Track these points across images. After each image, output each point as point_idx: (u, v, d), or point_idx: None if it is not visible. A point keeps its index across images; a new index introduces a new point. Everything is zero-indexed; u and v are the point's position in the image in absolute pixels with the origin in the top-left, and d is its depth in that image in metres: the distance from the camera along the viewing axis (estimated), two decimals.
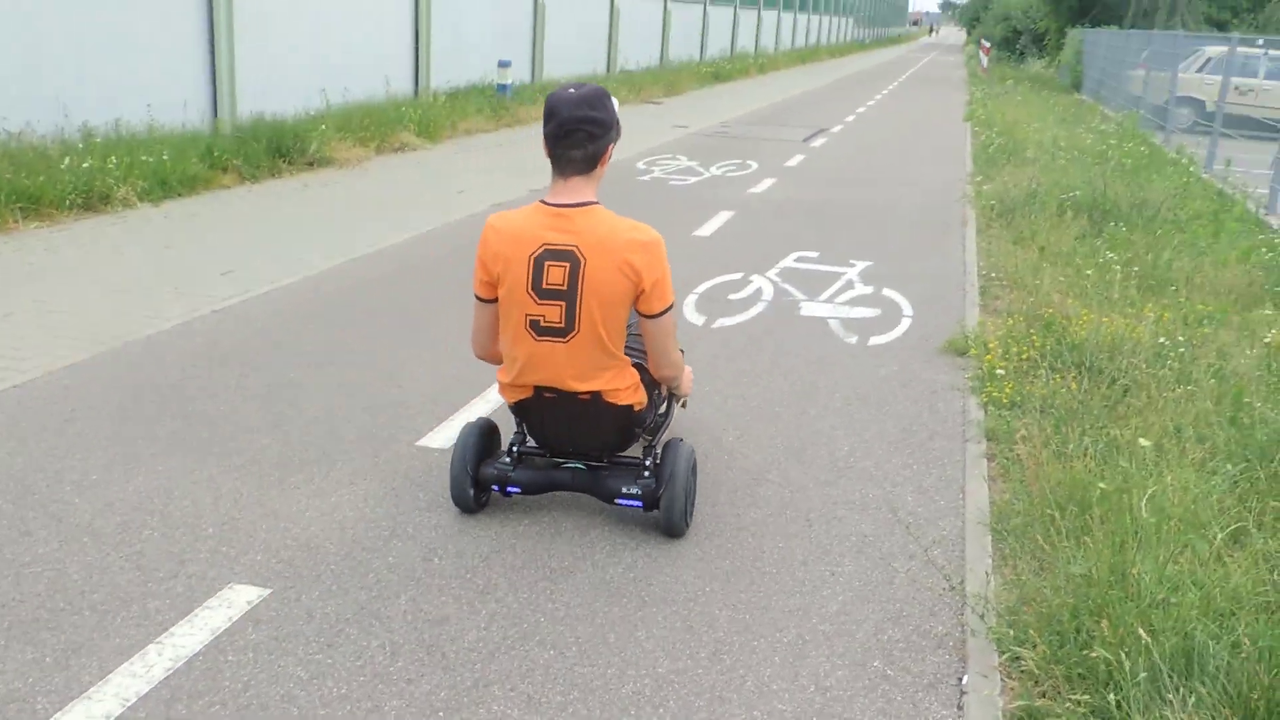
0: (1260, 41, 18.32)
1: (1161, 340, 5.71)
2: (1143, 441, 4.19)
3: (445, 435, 4.75)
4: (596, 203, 3.64)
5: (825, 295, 7.39)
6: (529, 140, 14.88)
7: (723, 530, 4.05)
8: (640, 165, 13.21)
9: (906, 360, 6.09)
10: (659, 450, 4.10)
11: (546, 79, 20.72)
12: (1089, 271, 7.34)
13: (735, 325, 6.63)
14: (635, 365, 3.89)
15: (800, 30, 50.58)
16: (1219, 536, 3.60)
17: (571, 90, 3.59)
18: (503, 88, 17.45)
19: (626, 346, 3.87)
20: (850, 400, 5.46)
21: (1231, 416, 4.65)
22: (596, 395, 3.79)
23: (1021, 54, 48.80)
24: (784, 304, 7.16)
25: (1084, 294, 6.88)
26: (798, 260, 8.40)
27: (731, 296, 7.27)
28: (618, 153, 12.79)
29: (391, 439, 4.71)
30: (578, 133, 3.57)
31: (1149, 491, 3.80)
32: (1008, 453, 4.68)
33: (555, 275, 3.61)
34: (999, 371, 5.47)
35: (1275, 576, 3.45)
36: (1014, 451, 4.65)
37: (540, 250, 3.61)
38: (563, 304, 3.63)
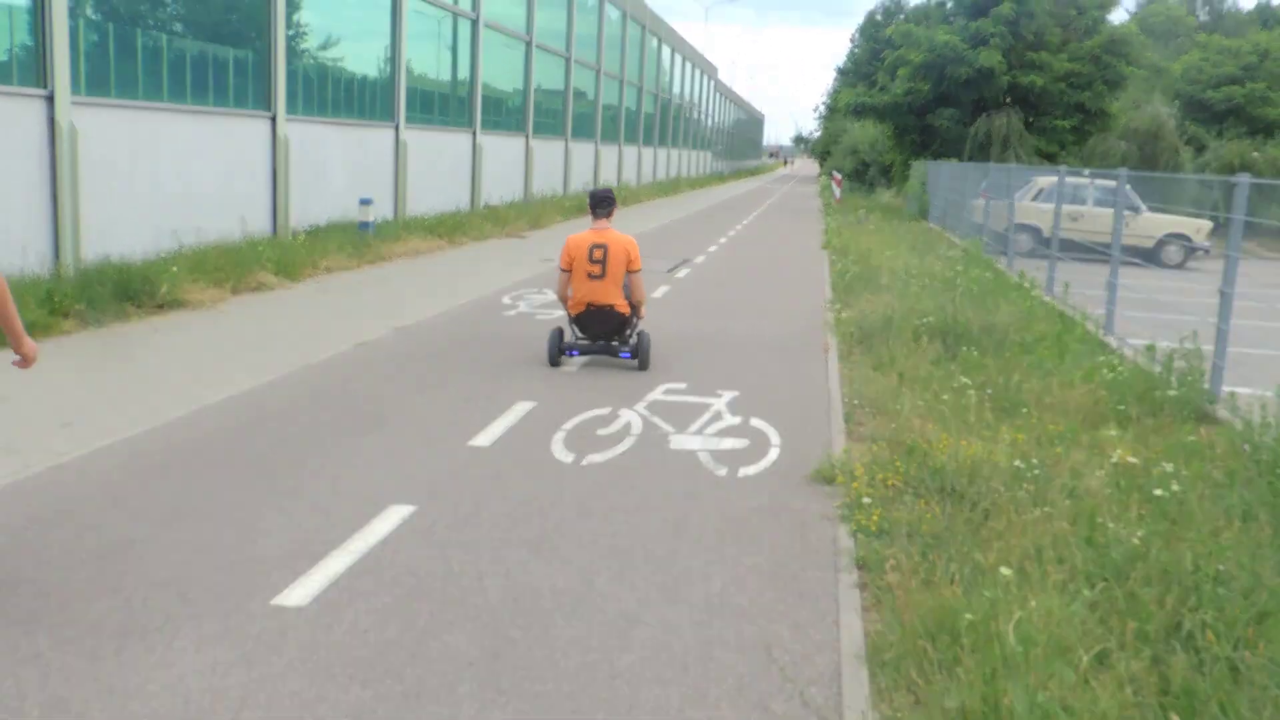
0: (1086, 172, 19.77)
1: (1017, 463, 5.90)
2: (1004, 570, 4.29)
3: (304, 592, 4.55)
4: (611, 227, 9.19)
5: (694, 427, 7.47)
6: (394, 278, 14.85)
7: (595, 679, 3.95)
8: (505, 300, 13.28)
9: (776, 490, 6.14)
10: (636, 336, 9.43)
11: (410, 215, 20.81)
12: (946, 396, 7.62)
13: (605, 462, 6.60)
14: (625, 299, 9.28)
15: (661, 163, 52.37)
16: (1084, 660, 3.67)
17: (600, 188, 9.36)
18: (365, 225, 17.41)
19: (623, 290, 9.25)
20: (723, 535, 5.46)
21: (1087, 537, 4.82)
22: (612, 306, 9.15)
23: (871, 185, 51.48)
24: (653, 438, 7.20)
25: (943, 418, 7.13)
26: (666, 392, 8.49)
27: (600, 432, 7.27)
28: (481, 288, 13.60)
29: (245, 598, 4.48)
30: (604, 202, 9.20)
31: (1015, 618, 3.88)
32: (879, 582, 4.73)
33: (597, 254, 9.05)
34: (865, 499, 5.54)
35: (1139, 699, 3.53)
36: (885, 580, 4.70)
37: (591, 244, 9.06)
38: (601, 265, 9.05)
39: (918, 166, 35.48)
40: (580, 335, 9.50)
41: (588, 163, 37.14)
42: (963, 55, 33.17)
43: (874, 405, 7.75)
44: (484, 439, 6.99)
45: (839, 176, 46.05)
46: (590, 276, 9.09)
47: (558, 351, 9.29)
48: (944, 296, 12.00)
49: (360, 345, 9.90)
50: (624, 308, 9.25)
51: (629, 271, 9.20)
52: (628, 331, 9.47)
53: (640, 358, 9.25)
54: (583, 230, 9.26)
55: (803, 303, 13.99)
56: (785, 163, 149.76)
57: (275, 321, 11.05)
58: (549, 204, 28.33)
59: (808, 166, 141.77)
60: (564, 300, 9.34)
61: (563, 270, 9.25)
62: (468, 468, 6.37)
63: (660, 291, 14.69)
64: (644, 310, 9.55)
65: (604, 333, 9.36)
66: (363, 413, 7.51)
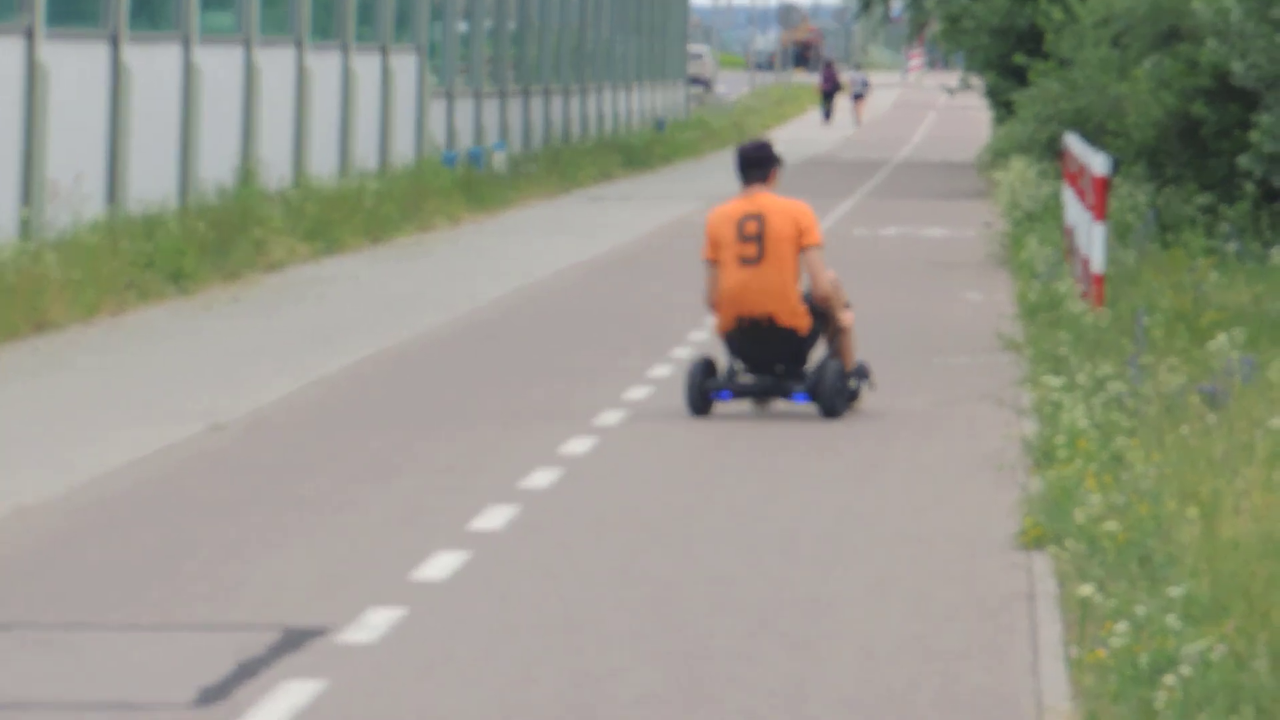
0: None
1: None
2: None
3: None
4: (770, 193, 7.59)
5: None
6: None
7: None
8: None
9: None
10: (822, 367, 7.18)
11: None
12: None
13: None
14: (802, 302, 7.29)
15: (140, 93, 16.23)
16: None
17: (753, 140, 8.31)
18: None
19: (797, 283, 7.35)
20: None
21: None
22: (772, 317, 7.01)
23: (1270, 217, 15.09)
24: None
25: None
26: None
27: None
28: None
29: None
30: (759, 162, 7.56)
31: None
32: None
33: (750, 228, 7.25)
34: None
35: None
36: None
37: (742, 215, 7.35)
38: (757, 241, 7.17)
39: None
40: (739, 364, 7.21)
41: None
42: None
43: None
44: None
45: (1098, 170, 11.13)
46: (743, 262, 7.15)
47: (700, 395, 7.09)
48: None
49: None
50: (797, 316, 7.06)
51: (803, 248, 7.16)
52: (804, 363, 7.10)
53: (822, 400, 6.90)
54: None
55: None
56: (826, 99, 57.25)
57: None
58: None
59: (954, 111, 55.10)
60: (713, 308, 7.50)
61: (709, 262, 7.41)
62: None
63: None
64: (846, 317, 7.16)
65: (769, 357, 7.10)
66: None
